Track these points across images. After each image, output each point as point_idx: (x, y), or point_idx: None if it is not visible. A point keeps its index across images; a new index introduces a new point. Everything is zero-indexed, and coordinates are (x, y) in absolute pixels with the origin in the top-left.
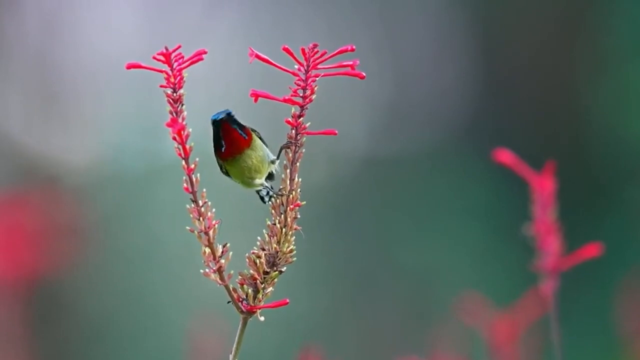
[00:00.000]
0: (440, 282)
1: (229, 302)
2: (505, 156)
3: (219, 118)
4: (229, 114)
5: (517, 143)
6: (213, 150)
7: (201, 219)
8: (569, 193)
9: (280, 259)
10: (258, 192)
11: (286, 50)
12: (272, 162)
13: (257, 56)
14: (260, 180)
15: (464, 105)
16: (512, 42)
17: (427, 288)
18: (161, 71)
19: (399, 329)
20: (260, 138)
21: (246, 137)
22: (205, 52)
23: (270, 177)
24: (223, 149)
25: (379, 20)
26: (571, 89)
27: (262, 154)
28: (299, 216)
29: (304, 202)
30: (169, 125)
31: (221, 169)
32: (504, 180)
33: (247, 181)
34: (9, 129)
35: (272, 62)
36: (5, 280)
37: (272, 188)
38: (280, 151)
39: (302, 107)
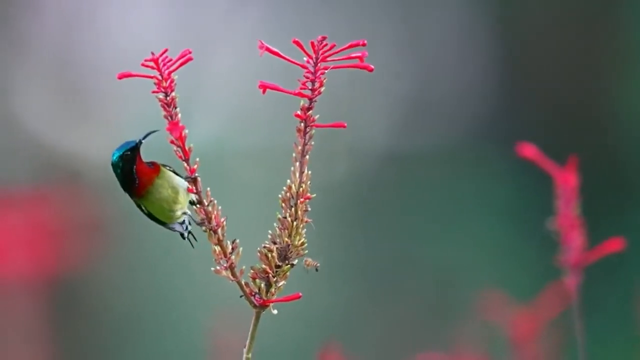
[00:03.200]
0: (462, 278)
1: (241, 296)
2: (528, 150)
3: (123, 153)
4: (132, 148)
5: (539, 138)
6: (123, 189)
7: (209, 218)
8: (592, 188)
9: (291, 252)
10: (172, 228)
11: (296, 43)
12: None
13: (267, 49)
14: (183, 209)
15: (486, 100)
16: (535, 37)
17: (448, 284)
18: (151, 77)
19: (420, 325)
20: (174, 171)
21: (152, 166)
22: (190, 52)
23: (192, 204)
24: (136, 182)
25: (400, 16)
26: (594, 84)
27: (174, 182)
28: (309, 209)
29: (314, 195)
30: (169, 129)
31: (140, 208)
32: (526, 175)
33: (170, 215)
34: (30, 126)
35: (282, 54)
36: (26, 277)
37: (191, 216)
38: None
39: (310, 99)
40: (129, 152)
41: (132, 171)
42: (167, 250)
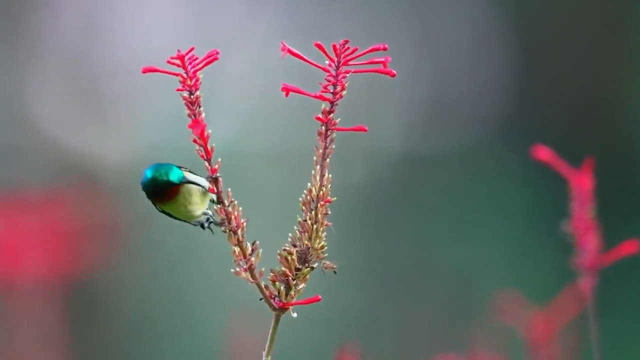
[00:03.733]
0: (478, 280)
1: (261, 299)
2: (543, 153)
3: (170, 179)
4: (167, 172)
5: (555, 141)
6: (147, 198)
7: (229, 219)
8: (607, 190)
9: (311, 255)
10: (191, 223)
11: (318, 46)
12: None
13: (289, 51)
14: (202, 210)
15: (502, 103)
16: (551, 39)
17: (464, 286)
18: (176, 74)
19: (436, 327)
20: (190, 171)
21: (172, 195)
22: (217, 52)
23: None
24: (164, 197)
25: (416, 18)
26: (610, 86)
27: (195, 188)
28: (329, 212)
29: (335, 199)
30: (191, 126)
31: (156, 207)
32: (542, 178)
33: (189, 215)
34: (46, 127)
35: (304, 57)
36: (42, 279)
37: (212, 216)
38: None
39: (332, 103)
40: (165, 181)
41: (164, 193)
42: (184, 252)
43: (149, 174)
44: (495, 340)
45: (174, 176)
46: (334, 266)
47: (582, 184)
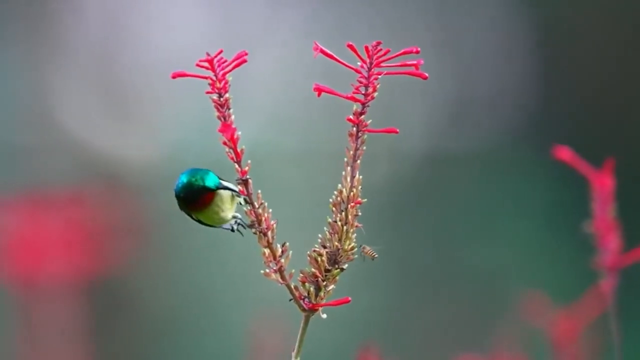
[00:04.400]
0: (501, 280)
1: (290, 300)
2: (565, 153)
3: (206, 185)
4: (204, 187)
5: (576, 141)
6: (181, 206)
7: (259, 220)
8: (628, 190)
9: (341, 256)
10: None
11: (350, 47)
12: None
13: (322, 51)
14: (232, 213)
15: (524, 103)
16: (573, 39)
17: (487, 286)
18: (206, 77)
19: (459, 327)
20: (220, 178)
21: (205, 202)
22: (246, 54)
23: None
24: (199, 204)
25: (439, 18)
26: (633, 86)
27: (226, 194)
28: (359, 213)
29: (365, 200)
30: (221, 130)
31: (190, 216)
32: (564, 178)
33: (222, 221)
34: (70, 127)
35: (336, 57)
36: (65, 279)
37: (240, 218)
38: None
39: (363, 104)
40: (201, 187)
41: (199, 199)
42: (208, 251)
43: (184, 178)
44: (518, 341)
45: (211, 181)
46: (375, 253)
47: (603, 184)
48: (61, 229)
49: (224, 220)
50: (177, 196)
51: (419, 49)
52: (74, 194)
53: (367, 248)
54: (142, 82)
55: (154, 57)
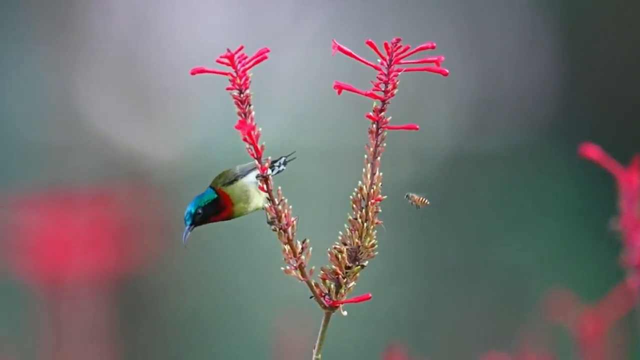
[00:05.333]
0: (527, 278)
1: (311, 297)
2: (592, 151)
3: (195, 211)
4: (192, 213)
5: (603, 139)
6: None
7: (279, 217)
8: None
9: (362, 253)
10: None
11: (370, 44)
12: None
13: (340, 49)
14: (256, 202)
15: (550, 101)
16: (599, 37)
17: (513, 284)
18: (226, 74)
19: (485, 325)
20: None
21: (225, 206)
22: (268, 51)
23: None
24: (221, 210)
25: (464, 16)
26: None
27: (245, 182)
28: (380, 210)
29: (385, 197)
30: (238, 127)
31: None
32: (592, 176)
33: (255, 206)
34: (96, 126)
35: (355, 55)
36: (91, 277)
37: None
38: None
39: (383, 101)
40: (200, 212)
41: (218, 208)
42: (232, 249)
43: (190, 206)
44: (544, 338)
45: (210, 193)
46: (425, 199)
47: (630, 181)
48: (87, 228)
49: (258, 205)
50: (197, 214)
51: (435, 44)
52: (100, 193)
53: (415, 195)
54: (167, 81)
55: (180, 55)
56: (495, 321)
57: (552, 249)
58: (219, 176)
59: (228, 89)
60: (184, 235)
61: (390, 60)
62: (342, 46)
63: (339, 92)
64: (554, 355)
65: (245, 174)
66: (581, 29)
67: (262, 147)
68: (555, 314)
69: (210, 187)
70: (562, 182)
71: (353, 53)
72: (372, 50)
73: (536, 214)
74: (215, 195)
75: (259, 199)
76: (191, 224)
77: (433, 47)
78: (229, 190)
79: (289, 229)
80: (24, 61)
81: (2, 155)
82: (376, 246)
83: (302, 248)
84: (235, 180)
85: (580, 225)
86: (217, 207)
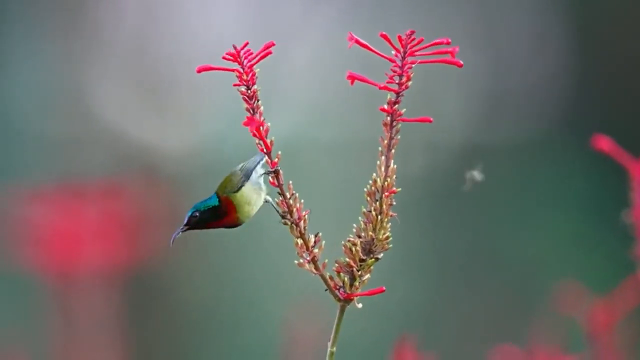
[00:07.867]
0: (538, 271)
1: (325, 290)
2: (604, 143)
3: (190, 216)
4: (192, 216)
5: (615, 131)
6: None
7: (290, 211)
8: None
9: (376, 246)
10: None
11: (384, 36)
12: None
13: (357, 41)
14: (260, 202)
15: (563, 93)
16: (611, 29)
17: (524, 277)
18: (232, 70)
19: (496, 318)
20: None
21: (227, 213)
22: (273, 45)
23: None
24: (224, 215)
25: (476, 9)
26: None
27: (249, 189)
28: (394, 203)
29: (399, 189)
30: (245, 124)
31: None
32: (603, 168)
33: (258, 205)
34: (106, 119)
35: (371, 47)
36: (102, 270)
37: (275, 207)
38: (263, 175)
39: (397, 93)
40: (197, 215)
41: (220, 213)
42: (243, 242)
43: (190, 212)
44: (556, 330)
45: (212, 199)
46: (480, 176)
47: None
48: (98, 221)
49: (258, 204)
50: (194, 217)
51: (450, 40)
52: (111, 186)
53: (475, 173)
54: (179, 73)
55: (190, 48)
56: (506, 313)
57: (563, 241)
58: (225, 182)
59: (235, 85)
60: (173, 234)
61: (405, 53)
62: (358, 39)
63: (352, 83)
64: (564, 348)
65: (249, 174)
66: (592, 22)
67: (271, 141)
68: (566, 306)
69: (216, 193)
70: (574, 174)
71: (369, 46)
72: (386, 43)
73: (548, 206)
74: (217, 203)
75: (260, 199)
76: (185, 225)
77: (448, 43)
78: (236, 199)
79: (301, 223)
80: (36, 54)
81: (13, 148)
82: (390, 239)
83: (315, 241)
84: (242, 186)
85: (592, 217)
86: (216, 214)
